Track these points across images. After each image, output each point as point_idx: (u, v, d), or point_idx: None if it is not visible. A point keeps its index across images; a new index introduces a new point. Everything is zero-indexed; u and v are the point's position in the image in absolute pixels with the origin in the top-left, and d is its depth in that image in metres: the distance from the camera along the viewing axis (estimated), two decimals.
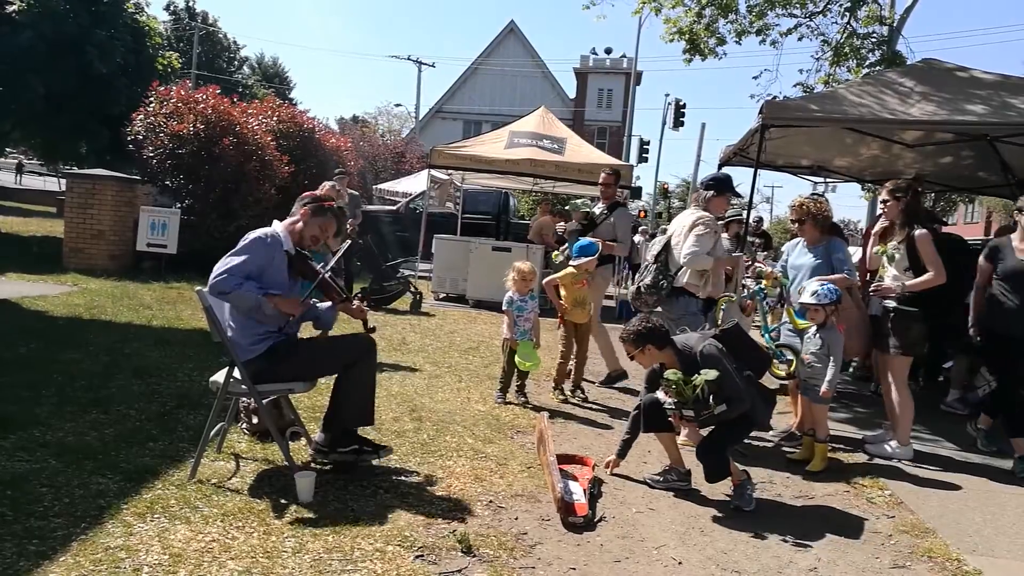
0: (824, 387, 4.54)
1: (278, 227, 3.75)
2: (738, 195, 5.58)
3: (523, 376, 5.78)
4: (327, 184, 7.01)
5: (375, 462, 3.95)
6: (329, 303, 3.89)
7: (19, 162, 37.52)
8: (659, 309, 5.10)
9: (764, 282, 5.04)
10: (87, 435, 3.96)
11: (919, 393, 6.88)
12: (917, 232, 4.85)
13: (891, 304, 4.94)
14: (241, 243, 3.60)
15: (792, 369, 4.83)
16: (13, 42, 14.20)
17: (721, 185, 5.18)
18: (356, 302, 3.91)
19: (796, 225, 5.17)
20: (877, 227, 5.27)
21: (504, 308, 5.68)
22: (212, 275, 3.46)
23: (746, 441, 5.15)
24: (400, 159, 30.43)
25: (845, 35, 11.10)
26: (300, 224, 3.77)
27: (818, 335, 4.65)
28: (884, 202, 5.08)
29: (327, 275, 3.79)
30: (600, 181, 7.03)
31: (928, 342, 5.19)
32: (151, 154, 11.12)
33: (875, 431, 5.41)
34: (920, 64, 7.36)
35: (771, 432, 5.37)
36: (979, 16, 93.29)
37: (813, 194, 8.69)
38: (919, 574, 3.29)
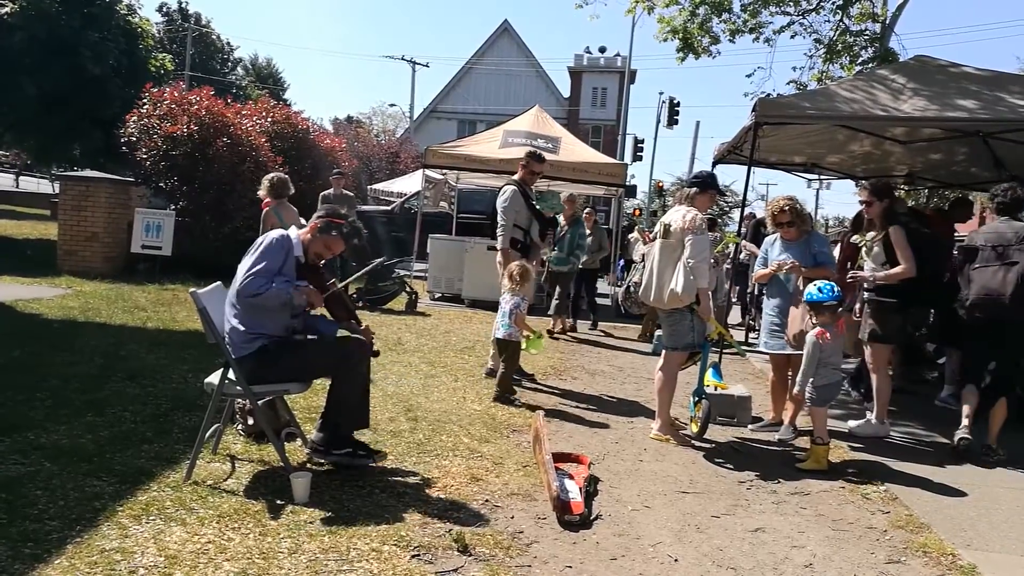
0: (795, 389, 4.64)
1: (294, 232, 3.81)
2: (723, 193, 5.67)
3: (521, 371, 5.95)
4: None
5: (371, 461, 3.95)
6: (332, 319, 3.91)
7: (18, 167, 37.37)
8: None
9: (711, 335, 5.12)
10: (82, 438, 3.96)
11: (914, 388, 6.94)
12: (891, 227, 5.15)
13: (865, 295, 5.31)
14: (257, 246, 3.65)
15: (699, 419, 5.02)
16: (5, 44, 14.15)
17: (705, 182, 5.20)
18: (365, 324, 3.94)
19: (784, 226, 5.23)
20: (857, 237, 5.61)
21: (519, 310, 5.75)
22: (237, 281, 3.53)
23: (743, 439, 5.20)
24: (395, 159, 30.42)
25: (838, 33, 11.15)
26: (309, 236, 3.82)
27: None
28: (865, 203, 5.41)
29: (339, 289, 3.83)
30: (539, 170, 6.57)
31: (911, 331, 5.61)
32: (145, 156, 11.09)
33: (860, 420, 5.58)
34: (912, 61, 7.38)
35: (752, 425, 5.48)
36: (972, 13, 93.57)
37: (761, 197, 9.12)
38: (914, 569, 3.30)
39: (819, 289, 4.59)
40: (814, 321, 4.66)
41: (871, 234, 5.30)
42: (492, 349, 6.45)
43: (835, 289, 4.59)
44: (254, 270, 3.52)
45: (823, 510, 3.93)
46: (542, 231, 6.52)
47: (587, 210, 10.22)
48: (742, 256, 10.12)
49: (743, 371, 7.71)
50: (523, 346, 5.82)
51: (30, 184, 35.64)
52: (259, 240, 3.70)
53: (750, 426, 5.44)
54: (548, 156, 11.72)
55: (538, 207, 6.59)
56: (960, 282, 5.19)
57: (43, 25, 14.63)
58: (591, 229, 10.01)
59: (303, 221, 6.81)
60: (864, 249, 5.33)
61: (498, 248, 6.32)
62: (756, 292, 9.56)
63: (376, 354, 3.92)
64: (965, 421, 5.04)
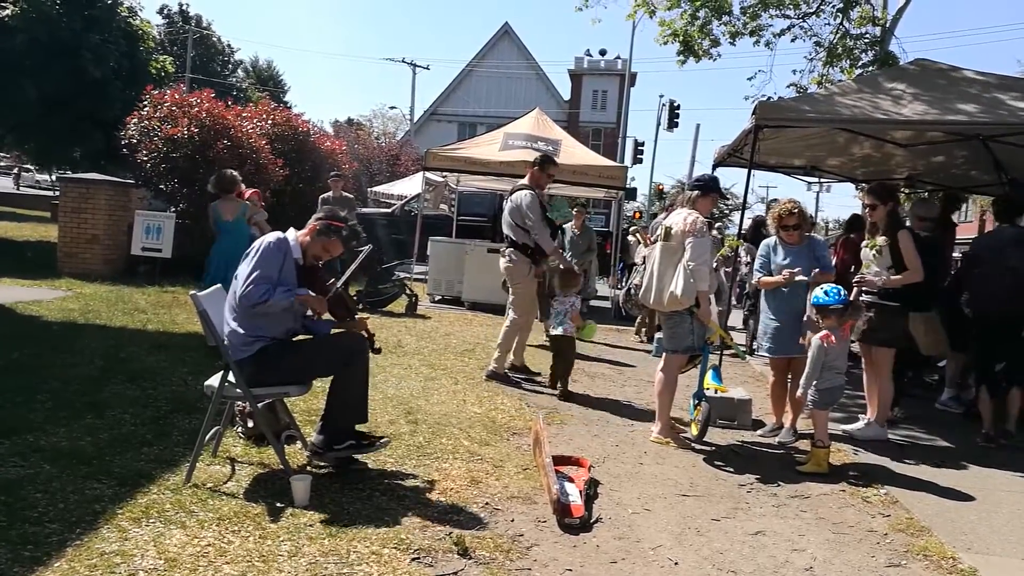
0: (799, 392, 4.61)
1: (291, 234, 3.80)
2: (725, 196, 5.68)
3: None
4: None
5: (371, 464, 3.95)
6: (332, 319, 3.92)
7: (18, 170, 37.45)
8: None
9: (711, 338, 5.10)
10: (81, 440, 3.95)
11: (914, 391, 6.92)
12: (900, 232, 5.20)
13: (866, 298, 5.30)
14: (252, 252, 3.64)
15: (699, 421, 4.99)
16: (6, 46, 14.18)
17: (707, 185, 5.19)
18: (364, 323, 3.95)
19: (791, 229, 5.21)
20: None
21: (574, 309, 6.07)
22: (237, 291, 3.54)
23: (742, 440, 5.20)
24: (395, 162, 30.42)
25: (838, 36, 11.15)
26: (307, 238, 3.81)
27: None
28: (869, 206, 5.39)
29: (339, 289, 3.84)
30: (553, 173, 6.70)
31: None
32: (145, 158, 11.09)
33: (855, 423, 5.58)
34: (912, 64, 7.39)
35: (759, 431, 5.46)
36: (972, 16, 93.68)
37: (773, 200, 9.00)
38: (915, 572, 3.30)
39: (826, 293, 4.58)
40: (820, 324, 4.66)
41: (882, 239, 5.24)
42: (497, 352, 6.45)
43: (841, 293, 4.58)
44: (252, 277, 3.51)
45: (823, 513, 3.92)
46: (551, 238, 6.55)
47: (576, 209, 10.10)
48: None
49: (743, 374, 7.71)
50: (576, 335, 6.12)
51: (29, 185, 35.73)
52: (256, 244, 3.69)
53: (758, 431, 5.42)
54: None
55: (550, 216, 6.65)
56: (965, 284, 5.29)
57: (44, 27, 14.67)
58: (580, 229, 9.92)
59: (262, 210, 6.99)
60: (874, 253, 5.28)
61: (546, 248, 6.29)
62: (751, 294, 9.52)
63: (378, 351, 3.92)
64: (987, 426, 5.43)
